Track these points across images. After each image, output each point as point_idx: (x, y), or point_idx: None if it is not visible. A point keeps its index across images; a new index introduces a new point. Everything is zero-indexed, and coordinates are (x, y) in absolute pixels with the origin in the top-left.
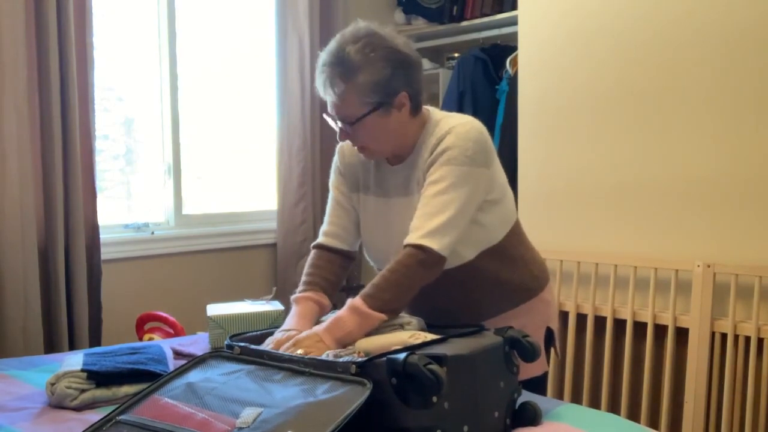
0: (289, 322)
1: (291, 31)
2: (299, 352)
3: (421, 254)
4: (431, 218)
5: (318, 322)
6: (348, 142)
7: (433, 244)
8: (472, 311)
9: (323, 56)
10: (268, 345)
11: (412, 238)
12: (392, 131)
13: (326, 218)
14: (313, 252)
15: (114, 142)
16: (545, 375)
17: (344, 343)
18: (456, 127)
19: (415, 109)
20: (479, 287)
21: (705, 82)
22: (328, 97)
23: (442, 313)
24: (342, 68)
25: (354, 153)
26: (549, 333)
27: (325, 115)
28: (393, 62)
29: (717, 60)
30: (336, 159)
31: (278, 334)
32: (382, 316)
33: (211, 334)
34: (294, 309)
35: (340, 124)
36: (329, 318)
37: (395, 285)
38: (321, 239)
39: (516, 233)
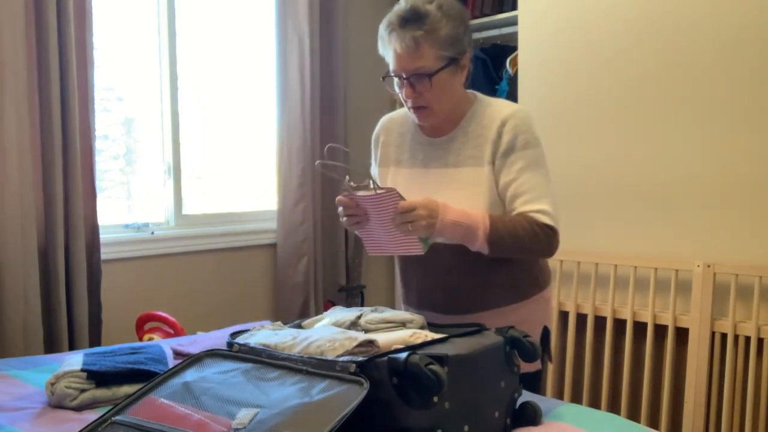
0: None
1: (291, 31)
2: (418, 212)
3: (552, 235)
4: (541, 200)
5: None
6: (391, 118)
7: (557, 227)
8: (479, 296)
9: (392, 17)
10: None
11: (543, 219)
12: (455, 93)
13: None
14: None
15: (114, 142)
16: (538, 373)
17: (444, 229)
18: (516, 113)
19: (468, 76)
20: (494, 271)
21: (705, 81)
22: (402, 52)
23: (450, 294)
24: (422, 22)
25: (392, 130)
26: (546, 332)
27: (383, 80)
28: (464, 22)
29: (718, 60)
30: (376, 134)
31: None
32: (483, 249)
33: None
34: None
35: (405, 81)
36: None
37: (518, 239)
38: None
39: None
